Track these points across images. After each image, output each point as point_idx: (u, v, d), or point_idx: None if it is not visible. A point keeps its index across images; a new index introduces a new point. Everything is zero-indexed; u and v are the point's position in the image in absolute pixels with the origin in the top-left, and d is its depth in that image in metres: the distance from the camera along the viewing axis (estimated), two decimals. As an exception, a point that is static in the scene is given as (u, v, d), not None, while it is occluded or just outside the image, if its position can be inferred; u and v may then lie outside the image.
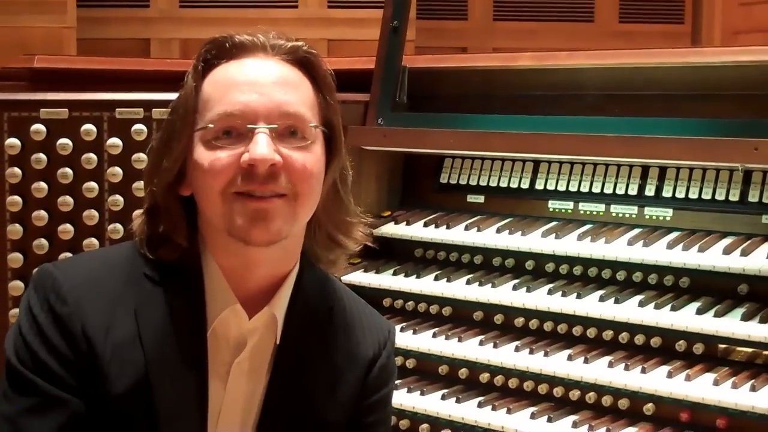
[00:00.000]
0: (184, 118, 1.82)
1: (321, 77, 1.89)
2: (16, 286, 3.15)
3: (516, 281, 3.08)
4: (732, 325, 2.64)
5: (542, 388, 2.85)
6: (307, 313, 1.93)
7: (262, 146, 1.75)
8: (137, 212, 1.91)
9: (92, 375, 1.78)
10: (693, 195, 3.01)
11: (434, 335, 3.07)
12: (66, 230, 3.17)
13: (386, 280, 3.26)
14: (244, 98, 1.79)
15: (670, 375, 2.63)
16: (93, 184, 3.19)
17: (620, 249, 2.94)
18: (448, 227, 3.28)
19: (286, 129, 1.80)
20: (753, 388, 2.51)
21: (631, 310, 2.79)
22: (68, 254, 3.16)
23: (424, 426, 2.91)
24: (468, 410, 2.85)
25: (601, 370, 2.73)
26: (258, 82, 1.81)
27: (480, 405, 2.86)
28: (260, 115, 1.78)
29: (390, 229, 3.38)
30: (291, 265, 1.91)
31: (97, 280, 1.84)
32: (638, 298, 2.84)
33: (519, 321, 3.02)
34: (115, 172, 3.19)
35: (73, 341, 1.78)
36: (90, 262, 1.94)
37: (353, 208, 1.97)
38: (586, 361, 2.78)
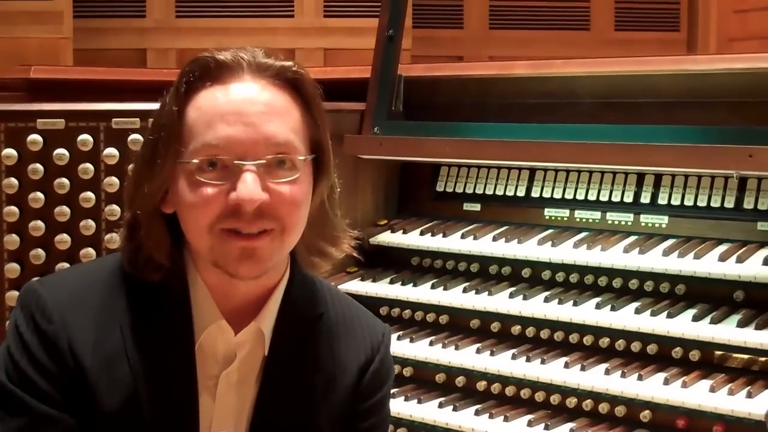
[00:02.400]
0: (167, 145, 1.76)
1: (310, 98, 1.83)
2: (13, 297, 3.15)
3: (512, 289, 3.08)
4: (728, 331, 2.64)
5: (539, 396, 2.85)
6: (297, 323, 1.90)
7: (250, 186, 1.70)
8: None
9: (81, 391, 1.76)
10: (688, 202, 3.01)
11: (431, 343, 3.07)
12: (63, 240, 3.17)
13: (383, 288, 3.26)
14: (230, 131, 1.72)
15: (666, 382, 2.63)
16: (90, 194, 3.19)
17: (616, 256, 2.94)
18: (444, 235, 3.28)
19: (275, 162, 1.74)
20: (749, 395, 2.51)
21: (628, 318, 2.80)
22: (65, 264, 3.16)
23: (422, 434, 2.91)
24: (465, 418, 2.85)
25: (598, 378, 2.73)
26: (244, 111, 1.73)
27: (477, 413, 2.86)
28: (247, 149, 1.72)
29: (386, 238, 3.38)
30: (278, 278, 1.88)
31: (82, 295, 1.82)
32: (634, 305, 2.84)
33: (516, 329, 3.02)
34: (112, 182, 3.19)
35: (60, 358, 1.76)
36: (75, 278, 1.90)
37: (339, 222, 1.93)
38: (582, 368, 2.79)
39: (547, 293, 3.00)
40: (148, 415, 1.78)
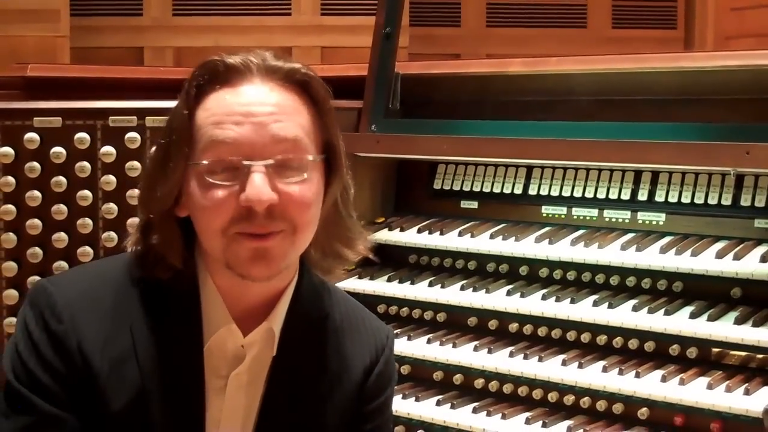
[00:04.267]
0: (178, 147, 1.77)
1: (320, 100, 1.83)
2: (11, 295, 3.15)
3: (510, 287, 3.08)
4: (725, 328, 2.64)
5: (537, 394, 2.85)
6: (304, 324, 1.91)
7: (258, 187, 1.71)
8: (131, 220, 1.90)
9: (89, 392, 1.76)
10: (685, 199, 3.01)
11: (429, 341, 3.07)
12: (60, 239, 3.17)
13: (381, 286, 3.26)
14: (239, 130, 1.73)
15: (664, 379, 2.64)
16: (87, 193, 3.19)
17: (613, 254, 2.94)
18: (441, 233, 3.28)
19: (284, 162, 1.75)
20: (747, 392, 2.52)
21: (625, 315, 2.80)
22: (62, 263, 3.16)
23: (419, 432, 2.91)
24: (463, 416, 2.85)
25: (596, 375, 2.74)
26: (253, 112, 1.74)
27: (475, 410, 2.86)
28: (256, 149, 1.73)
29: (384, 236, 3.38)
30: (288, 280, 1.89)
31: (92, 295, 1.82)
32: (632, 302, 2.84)
33: (513, 326, 3.02)
34: (109, 180, 3.18)
35: (69, 358, 1.76)
36: (85, 277, 1.90)
37: (354, 223, 1.94)
38: (580, 366, 2.79)
39: (544, 291, 3.00)
40: (155, 416, 1.78)
